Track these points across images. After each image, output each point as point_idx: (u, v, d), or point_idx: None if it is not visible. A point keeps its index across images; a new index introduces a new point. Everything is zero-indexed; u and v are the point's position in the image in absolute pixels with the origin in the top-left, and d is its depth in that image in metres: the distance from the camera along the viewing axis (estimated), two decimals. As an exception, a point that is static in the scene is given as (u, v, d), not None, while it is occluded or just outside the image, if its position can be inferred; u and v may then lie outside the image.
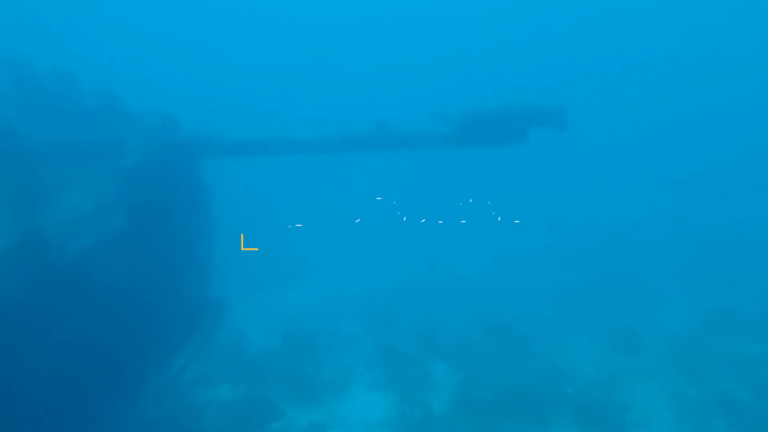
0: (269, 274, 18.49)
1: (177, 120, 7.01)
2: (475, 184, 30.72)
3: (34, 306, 5.66)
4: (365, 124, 7.32)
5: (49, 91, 6.82)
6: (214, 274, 9.25)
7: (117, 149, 6.65)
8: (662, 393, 10.95)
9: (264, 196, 28.47)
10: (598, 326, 14.56)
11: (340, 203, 28.99)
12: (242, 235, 18.31)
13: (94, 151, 6.60)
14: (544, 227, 24.43)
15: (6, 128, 6.16)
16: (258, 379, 11.93)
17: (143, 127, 6.87)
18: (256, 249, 18.78)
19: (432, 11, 40.32)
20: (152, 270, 7.44)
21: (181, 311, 8.67)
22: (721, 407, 10.45)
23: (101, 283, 6.76)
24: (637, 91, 42.62)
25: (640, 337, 13.52)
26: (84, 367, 6.76)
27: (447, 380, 11.89)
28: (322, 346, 14.08)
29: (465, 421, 9.81)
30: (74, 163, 6.63)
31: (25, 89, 6.84)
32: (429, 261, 20.29)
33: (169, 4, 38.46)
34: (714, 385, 11.28)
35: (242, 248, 18.12)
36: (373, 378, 12.57)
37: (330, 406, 11.08)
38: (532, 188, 31.26)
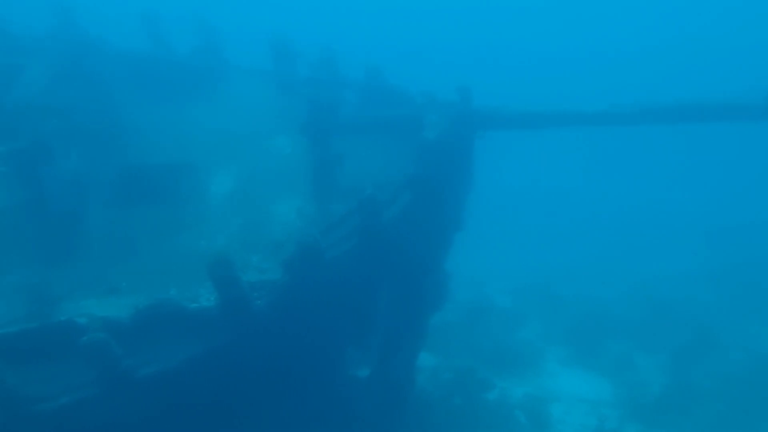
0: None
1: (473, 94, 7.01)
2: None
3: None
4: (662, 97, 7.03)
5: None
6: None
7: (418, 123, 6.76)
8: None
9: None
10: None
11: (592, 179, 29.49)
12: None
13: (399, 126, 6.83)
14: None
15: (323, 107, 6.41)
16: (448, 350, 12.07)
17: (442, 103, 6.96)
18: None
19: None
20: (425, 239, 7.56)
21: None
22: None
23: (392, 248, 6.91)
24: None
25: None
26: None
27: (648, 362, 11.59)
28: (494, 320, 14.07)
29: (699, 407, 9.51)
30: (384, 136, 6.84)
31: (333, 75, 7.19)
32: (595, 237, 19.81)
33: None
34: None
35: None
36: (560, 355, 12.46)
37: (534, 381, 11.09)
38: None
